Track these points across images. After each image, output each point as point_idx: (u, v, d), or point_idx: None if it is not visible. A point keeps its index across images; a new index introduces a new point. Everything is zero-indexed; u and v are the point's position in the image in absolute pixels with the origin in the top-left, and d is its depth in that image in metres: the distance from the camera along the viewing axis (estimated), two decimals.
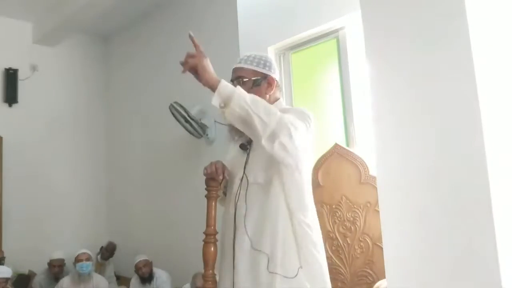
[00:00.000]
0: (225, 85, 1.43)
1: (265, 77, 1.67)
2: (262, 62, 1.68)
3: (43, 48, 5.03)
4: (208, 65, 1.46)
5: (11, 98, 4.77)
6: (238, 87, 1.46)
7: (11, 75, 4.79)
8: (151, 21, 4.89)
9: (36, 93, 4.93)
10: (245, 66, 1.68)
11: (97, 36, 5.49)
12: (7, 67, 4.77)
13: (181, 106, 3.87)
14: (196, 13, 4.33)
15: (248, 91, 1.60)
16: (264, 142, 1.41)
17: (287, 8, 3.02)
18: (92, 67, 5.48)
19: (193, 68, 1.45)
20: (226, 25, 3.79)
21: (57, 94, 5.12)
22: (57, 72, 5.15)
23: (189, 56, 1.45)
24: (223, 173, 1.63)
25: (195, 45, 1.47)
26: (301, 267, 1.53)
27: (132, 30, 5.16)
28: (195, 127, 3.90)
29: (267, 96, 1.68)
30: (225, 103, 1.41)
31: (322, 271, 1.59)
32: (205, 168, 1.63)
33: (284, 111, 1.57)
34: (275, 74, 1.72)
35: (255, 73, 1.66)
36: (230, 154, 1.78)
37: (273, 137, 1.41)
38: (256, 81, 1.66)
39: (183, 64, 1.46)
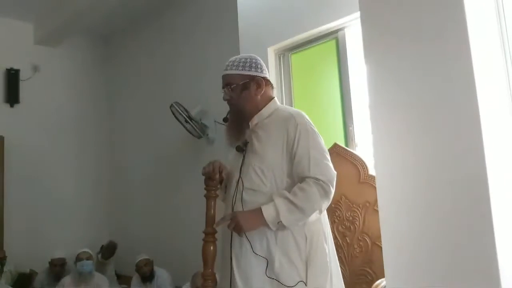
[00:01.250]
0: (269, 217, 1.52)
1: (253, 78, 1.67)
2: (247, 64, 1.68)
3: (44, 48, 5.04)
4: (243, 217, 1.55)
5: (12, 98, 4.79)
6: (278, 207, 1.52)
7: (13, 76, 4.81)
8: (151, 22, 4.90)
9: (38, 93, 4.94)
10: (231, 72, 1.68)
11: (98, 37, 5.51)
12: (8, 67, 4.79)
13: (182, 106, 3.88)
14: (196, 14, 4.35)
15: (238, 96, 1.66)
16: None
17: (287, 9, 3.03)
18: (93, 68, 5.50)
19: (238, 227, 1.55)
20: (226, 25, 3.81)
21: (58, 94, 5.14)
22: (59, 73, 5.17)
23: (227, 224, 1.58)
24: (220, 172, 1.64)
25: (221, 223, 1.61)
26: (303, 281, 1.52)
27: (133, 31, 5.17)
28: (196, 127, 3.92)
29: (258, 97, 1.69)
30: (279, 223, 1.52)
31: (326, 280, 1.58)
32: (204, 168, 1.65)
33: (285, 120, 1.63)
34: (264, 73, 1.71)
35: (242, 77, 1.67)
36: (230, 155, 1.79)
37: (327, 203, 1.58)
38: (245, 85, 1.67)
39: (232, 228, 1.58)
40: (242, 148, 1.68)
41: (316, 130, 1.65)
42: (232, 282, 1.58)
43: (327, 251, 1.61)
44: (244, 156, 1.66)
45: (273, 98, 1.75)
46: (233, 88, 1.67)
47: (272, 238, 1.56)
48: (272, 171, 1.60)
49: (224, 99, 1.72)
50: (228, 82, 1.69)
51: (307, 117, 1.67)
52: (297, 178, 1.58)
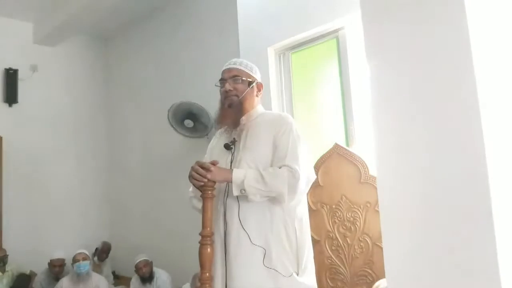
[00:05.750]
0: (237, 180, 1.59)
1: (256, 81, 1.83)
2: (254, 69, 1.85)
3: (43, 48, 5.04)
4: (215, 172, 1.61)
5: (11, 98, 4.78)
6: (247, 174, 1.59)
7: (11, 75, 4.80)
8: (150, 22, 4.89)
9: (36, 93, 4.94)
10: (241, 68, 1.80)
11: (97, 37, 5.50)
12: (7, 67, 4.78)
13: (187, 104, 3.85)
14: (196, 14, 4.34)
15: (245, 90, 1.79)
16: (288, 203, 1.62)
17: (287, 8, 3.02)
18: (92, 67, 5.49)
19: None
20: (226, 25, 3.80)
21: (57, 94, 5.13)
22: (57, 72, 5.16)
23: (200, 174, 1.61)
24: (206, 168, 1.62)
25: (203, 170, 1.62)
26: (296, 272, 1.63)
27: (131, 30, 5.16)
28: (201, 126, 3.89)
29: (257, 98, 1.85)
30: (242, 191, 1.59)
31: (313, 274, 1.73)
32: (190, 176, 1.64)
33: (275, 119, 1.75)
34: (260, 81, 1.89)
35: (250, 76, 1.82)
36: (214, 152, 1.84)
37: (292, 194, 1.60)
38: (250, 83, 1.80)
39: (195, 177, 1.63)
40: (230, 146, 1.74)
41: (301, 134, 1.75)
42: (228, 275, 1.62)
43: (311, 246, 1.75)
44: (233, 154, 1.73)
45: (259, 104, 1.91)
46: (243, 81, 1.79)
47: (269, 230, 1.63)
48: (264, 166, 1.66)
49: (226, 89, 1.78)
50: (236, 74, 1.79)
51: (294, 121, 1.79)
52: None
